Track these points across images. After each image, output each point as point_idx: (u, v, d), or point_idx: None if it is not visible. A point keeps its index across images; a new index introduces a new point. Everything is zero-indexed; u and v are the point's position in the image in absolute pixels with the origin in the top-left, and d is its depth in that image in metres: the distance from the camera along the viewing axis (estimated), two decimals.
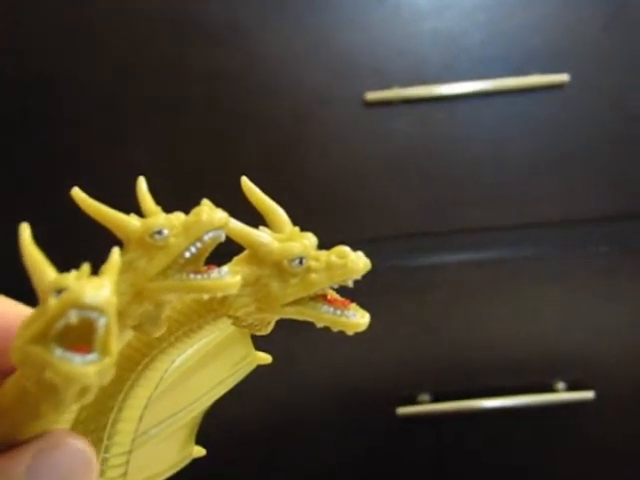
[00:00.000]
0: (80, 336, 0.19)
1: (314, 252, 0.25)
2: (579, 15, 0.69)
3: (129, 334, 0.24)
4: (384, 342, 0.73)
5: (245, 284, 0.24)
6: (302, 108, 0.69)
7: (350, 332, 0.25)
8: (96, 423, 0.25)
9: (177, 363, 0.27)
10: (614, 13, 0.68)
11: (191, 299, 0.25)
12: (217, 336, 0.28)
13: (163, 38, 0.69)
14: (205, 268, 0.23)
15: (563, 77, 0.68)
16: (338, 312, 0.25)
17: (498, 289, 0.73)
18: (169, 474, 0.30)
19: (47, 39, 0.69)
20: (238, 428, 0.74)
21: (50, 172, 0.70)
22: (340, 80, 0.69)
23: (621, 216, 0.72)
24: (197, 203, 0.24)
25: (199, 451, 0.32)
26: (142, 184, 0.25)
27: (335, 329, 0.25)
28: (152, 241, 0.22)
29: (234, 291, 0.22)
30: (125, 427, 0.26)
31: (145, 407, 0.27)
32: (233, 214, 0.24)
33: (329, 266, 0.24)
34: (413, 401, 0.73)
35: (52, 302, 0.19)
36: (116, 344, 0.19)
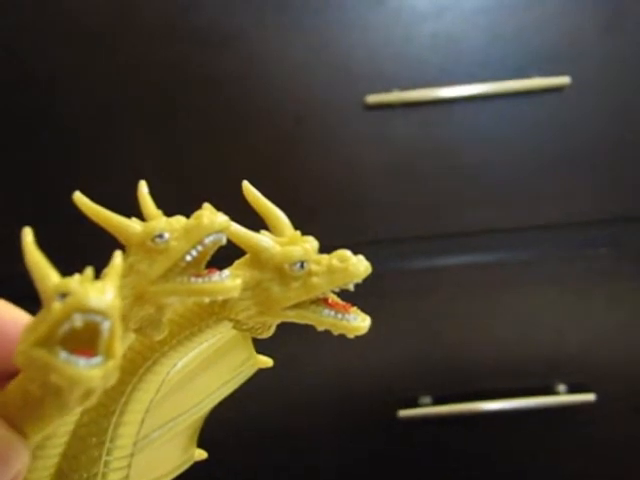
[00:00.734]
0: (85, 339, 0.19)
1: (315, 256, 0.25)
2: (579, 17, 0.69)
3: (131, 337, 0.24)
4: (385, 345, 0.73)
5: (246, 288, 0.24)
6: (302, 111, 0.69)
7: (351, 335, 0.25)
8: (98, 426, 0.26)
9: (178, 366, 0.27)
10: (614, 15, 0.69)
11: (192, 302, 0.25)
12: (218, 339, 0.28)
13: (163, 41, 0.69)
14: (206, 271, 0.23)
15: (563, 79, 0.68)
16: (339, 316, 0.25)
17: (498, 292, 0.73)
18: (171, 477, 0.31)
19: (48, 43, 0.69)
20: (240, 431, 0.74)
21: (51, 175, 0.71)
22: (340, 83, 0.69)
23: (621, 219, 0.72)
24: (198, 207, 0.25)
25: (201, 454, 0.32)
26: (143, 188, 0.25)
27: (336, 332, 0.25)
28: (153, 245, 0.22)
29: (235, 294, 0.22)
30: (127, 430, 0.26)
31: (147, 410, 0.27)
32: (234, 218, 0.24)
33: (330, 270, 0.24)
34: (414, 404, 0.73)
35: (56, 306, 0.19)
36: (120, 347, 0.19)
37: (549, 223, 0.72)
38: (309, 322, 0.25)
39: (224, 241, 0.23)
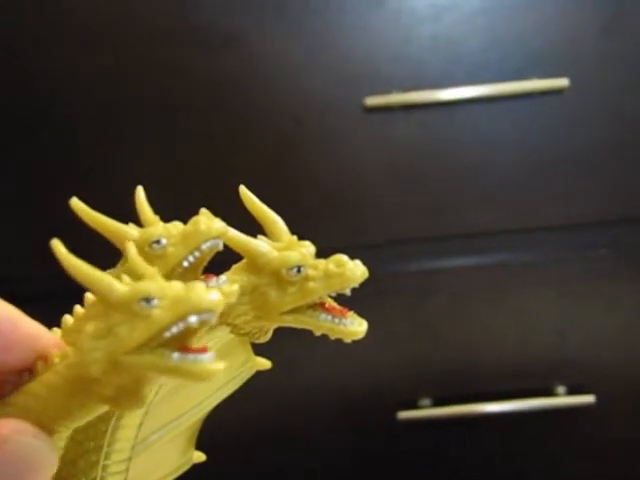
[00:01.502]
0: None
1: (312, 261, 0.25)
2: (578, 19, 0.69)
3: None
4: (385, 347, 0.73)
5: (243, 293, 0.24)
6: (302, 113, 0.69)
7: (348, 340, 0.25)
8: (96, 430, 0.26)
9: None
10: (613, 17, 0.68)
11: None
12: (216, 342, 0.28)
13: (163, 42, 0.69)
14: (203, 277, 0.23)
15: (563, 81, 0.68)
16: (336, 320, 0.25)
17: (498, 293, 0.73)
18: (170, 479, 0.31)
19: (48, 43, 0.69)
20: (238, 434, 0.74)
21: (49, 176, 0.71)
22: (340, 85, 0.69)
23: (620, 220, 0.72)
24: (196, 209, 0.25)
25: (199, 457, 0.32)
26: (140, 193, 0.25)
27: (333, 337, 0.25)
28: (150, 250, 0.22)
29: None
30: (125, 434, 0.26)
31: (145, 413, 0.27)
32: (231, 222, 0.25)
33: (327, 275, 0.24)
34: (414, 406, 0.73)
35: (156, 312, 0.19)
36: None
37: (549, 225, 0.72)
38: (306, 327, 0.25)
39: (221, 247, 0.23)
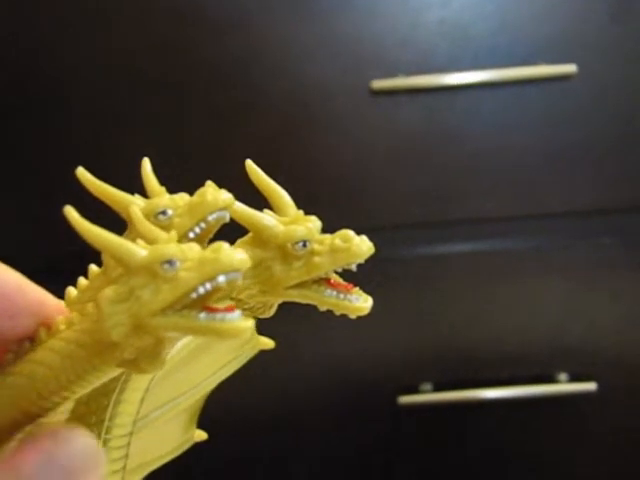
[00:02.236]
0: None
1: (318, 235, 0.25)
2: (586, 5, 0.69)
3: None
4: (386, 332, 0.73)
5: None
6: (307, 96, 0.69)
7: (353, 316, 0.25)
8: (97, 404, 0.25)
9: (179, 346, 0.27)
10: (621, 3, 0.68)
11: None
12: None
13: (168, 25, 0.68)
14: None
15: (570, 67, 0.68)
16: (341, 296, 0.25)
17: (500, 280, 0.73)
18: (171, 457, 0.31)
19: (49, 23, 0.69)
20: (240, 416, 0.74)
21: (53, 156, 0.70)
22: (346, 69, 0.69)
23: (624, 208, 0.72)
24: (201, 185, 0.24)
25: (200, 435, 0.32)
26: (147, 165, 0.25)
27: (338, 312, 0.25)
28: (156, 221, 0.22)
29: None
30: (126, 409, 0.26)
31: (146, 390, 0.27)
32: (237, 198, 0.24)
33: (333, 249, 0.24)
34: (415, 390, 0.73)
35: (182, 274, 0.19)
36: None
37: (554, 212, 0.72)
38: (311, 302, 0.25)
39: (227, 218, 0.23)
